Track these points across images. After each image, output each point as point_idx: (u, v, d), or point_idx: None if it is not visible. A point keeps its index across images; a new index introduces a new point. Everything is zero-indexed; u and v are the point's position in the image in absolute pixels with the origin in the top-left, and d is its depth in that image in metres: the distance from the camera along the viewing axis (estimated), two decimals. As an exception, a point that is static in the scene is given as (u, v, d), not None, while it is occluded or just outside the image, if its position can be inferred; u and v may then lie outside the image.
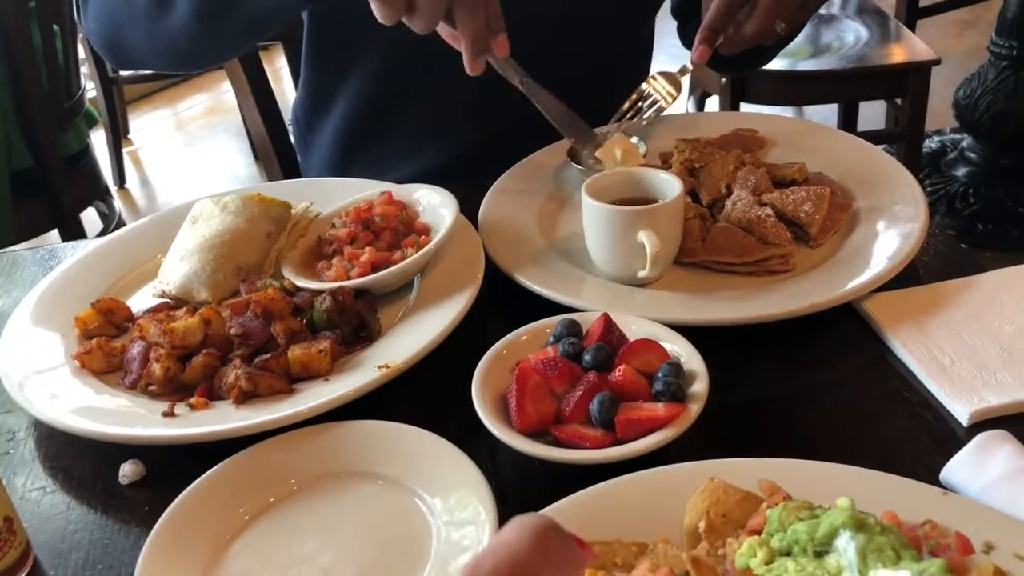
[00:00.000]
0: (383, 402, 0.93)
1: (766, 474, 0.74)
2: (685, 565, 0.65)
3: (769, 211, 1.08)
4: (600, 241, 1.05)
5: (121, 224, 2.97)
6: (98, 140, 3.76)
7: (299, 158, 1.64)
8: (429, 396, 0.98)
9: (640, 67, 1.51)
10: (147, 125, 4.95)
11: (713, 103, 3.38)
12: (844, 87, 2.95)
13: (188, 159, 4.59)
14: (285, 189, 1.22)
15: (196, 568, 0.77)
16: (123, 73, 4.40)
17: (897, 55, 2.87)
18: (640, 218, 1.00)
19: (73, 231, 2.71)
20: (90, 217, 3.05)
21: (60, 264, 1.19)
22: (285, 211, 1.13)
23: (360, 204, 1.14)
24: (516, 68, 1.12)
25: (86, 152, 2.79)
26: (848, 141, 1.28)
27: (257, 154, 4.37)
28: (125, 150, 4.46)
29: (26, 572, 0.81)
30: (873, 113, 3.54)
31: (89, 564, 0.82)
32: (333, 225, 1.13)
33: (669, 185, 1.05)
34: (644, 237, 0.99)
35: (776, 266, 1.05)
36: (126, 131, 4.64)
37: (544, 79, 1.16)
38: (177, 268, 1.09)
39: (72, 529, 0.86)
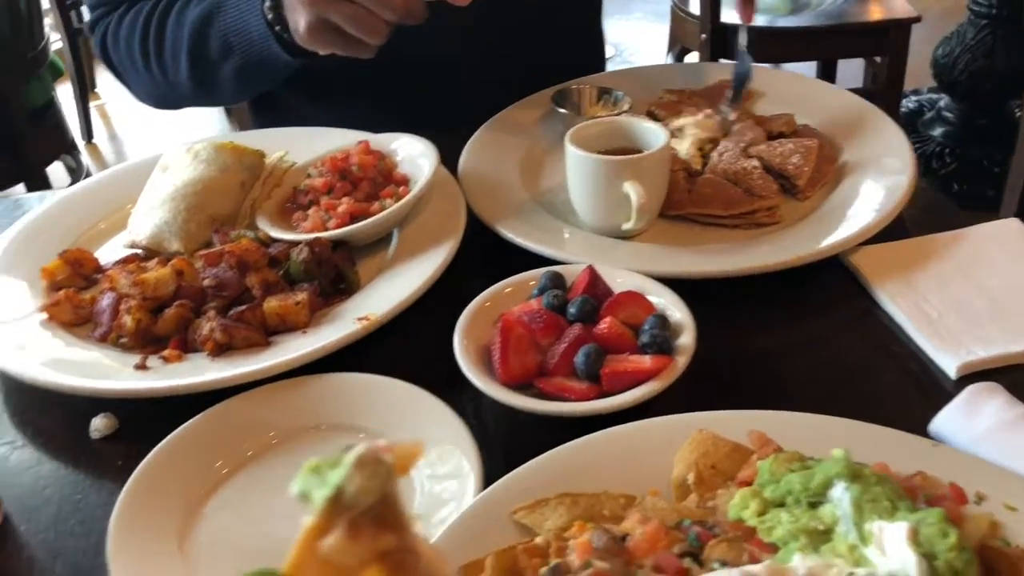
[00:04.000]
0: (362, 355, 0.91)
1: (755, 426, 0.73)
2: (674, 516, 0.64)
3: (756, 163, 1.06)
4: (584, 192, 1.02)
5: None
6: (64, 94, 3.66)
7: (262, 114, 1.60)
8: (409, 349, 0.96)
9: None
10: (114, 79, 4.83)
11: (692, 59, 3.34)
12: (823, 44, 2.93)
13: (157, 113, 4.47)
14: (258, 138, 1.18)
15: (172, 523, 0.75)
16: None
17: (876, 12, 2.85)
18: (625, 168, 0.98)
19: (39, 186, 2.65)
20: (57, 173, 2.98)
21: (26, 214, 1.15)
22: (259, 160, 1.10)
23: (336, 153, 1.10)
24: None
25: (51, 105, 2.72)
26: (836, 94, 1.26)
27: (228, 108, 4.29)
28: (92, 104, 4.34)
29: (-4, 528, 0.79)
30: (851, 72, 3.52)
31: (61, 519, 0.80)
32: (309, 175, 1.10)
33: (654, 135, 1.02)
34: (629, 188, 0.97)
35: (763, 218, 1.03)
36: (93, 84, 4.52)
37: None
38: (147, 218, 1.05)
39: (43, 484, 0.84)
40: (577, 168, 1.01)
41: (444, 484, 0.76)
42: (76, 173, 2.97)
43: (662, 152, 0.99)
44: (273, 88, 1.35)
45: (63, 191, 1.20)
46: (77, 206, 1.14)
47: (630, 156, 0.99)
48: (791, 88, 1.27)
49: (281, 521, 0.75)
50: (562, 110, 1.20)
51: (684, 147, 1.10)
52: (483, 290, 0.92)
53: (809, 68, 3.60)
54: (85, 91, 4.16)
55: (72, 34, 4.01)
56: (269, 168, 1.11)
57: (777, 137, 1.12)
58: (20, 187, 2.70)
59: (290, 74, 1.20)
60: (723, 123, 1.13)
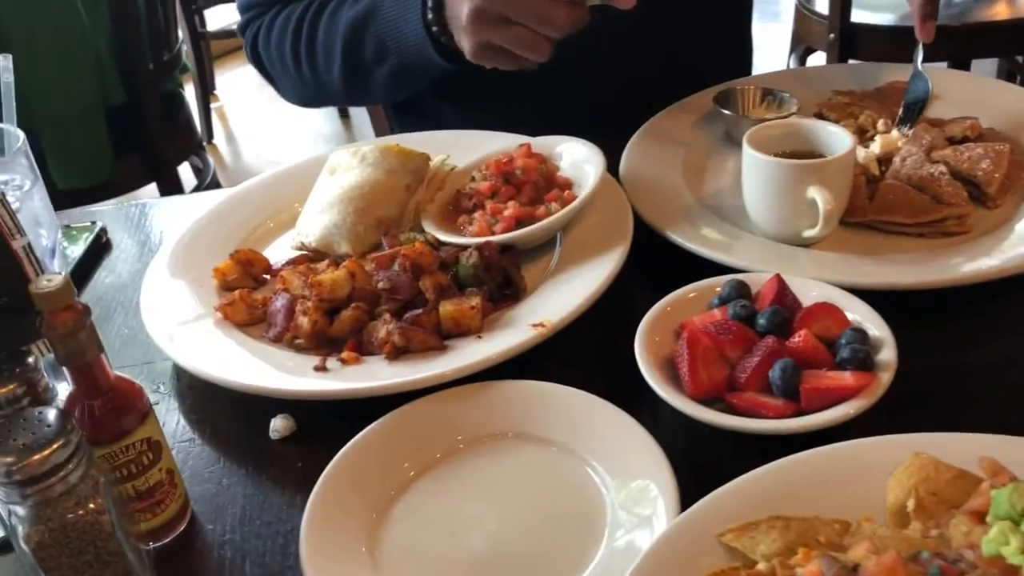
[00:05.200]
0: (532, 362, 0.89)
1: (976, 450, 0.68)
2: (906, 547, 0.60)
3: (943, 168, 1.00)
4: (763, 197, 0.98)
5: (215, 179, 2.98)
6: (188, 95, 3.78)
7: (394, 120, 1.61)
8: (577, 356, 0.93)
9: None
10: (232, 81, 4.97)
11: (817, 59, 3.24)
12: (957, 42, 2.80)
13: (273, 116, 4.60)
14: (417, 141, 1.18)
15: (361, 526, 0.74)
16: (210, 28, 4.41)
17: (1003, 11, 2.71)
18: (811, 172, 0.93)
19: (170, 184, 2.72)
20: (184, 172, 3.07)
21: (193, 214, 1.17)
22: (424, 163, 1.09)
23: (500, 157, 1.09)
24: None
25: (183, 105, 2.80)
26: (1020, 93, 1.18)
27: (343, 111, 4.36)
28: (212, 105, 4.48)
29: (185, 524, 0.80)
30: (983, 72, 3.37)
31: (247, 519, 0.80)
32: (473, 178, 1.09)
33: (837, 138, 0.98)
34: (815, 193, 0.92)
35: (952, 227, 0.97)
36: (212, 86, 4.66)
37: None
38: (316, 220, 1.05)
39: (226, 484, 0.84)
40: (757, 172, 0.97)
41: (638, 505, 0.73)
42: (203, 173, 3.04)
43: (848, 156, 0.94)
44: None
45: (227, 191, 1.22)
46: (243, 207, 1.15)
47: (817, 160, 0.95)
48: (968, 89, 1.20)
49: (471, 529, 0.74)
50: (725, 111, 1.17)
51: (862, 152, 1.05)
52: (650, 298, 0.89)
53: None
54: (207, 92, 4.29)
55: (196, 37, 4.14)
56: (432, 171, 1.10)
57: (962, 142, 1.06)
58: (152, 187, 2.79)
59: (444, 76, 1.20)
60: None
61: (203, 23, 4.36)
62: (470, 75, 1.07)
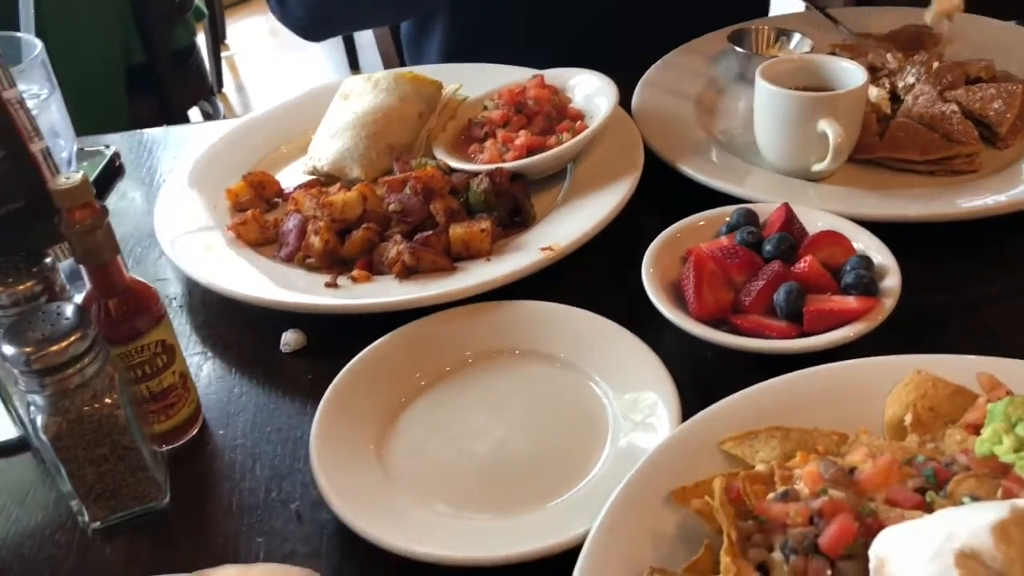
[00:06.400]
0: (541, 286, 0.90)
1: (976, 370, 0.69)
2: (902, 454, 0.62)
3: (955, 107, 1.01)
4: (774, 129, 0.99)
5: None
6: (199, 43, 3.77)
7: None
8: (585, 281, 0.95)
9: None
10: (242, 30, 4.95)
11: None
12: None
13: (282, 66, 4.58)
14: (432, 72, 1.18)
15: (370, 429, 0.76)
16: (222, -25, 4.39)
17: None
18: (822, 105, 0.94)
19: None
20: (194, 117, 3.07)
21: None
22: (436, 91, 1.10)
23: (513, 87, 1.09)
24: None
25: (194, 49, 2.80)
26: (1038, 40, 1.18)
27: (356, 63, 4.35)
28: (223, 55, 4.46)
29: (197, 428, 0.81)
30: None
31: (257, 425, 0.82)
32: (485, 107, 1.09)
33: (850, 74, 0.98)
34: (826, 126, 0.93)
35: (961, 165, 0.98)
36: (223, 36, 4.64)
37: None
38: (329, 145, 1.06)
39: (237, 393, 0.86)
40: (769, 104, 0.98)
41: (640, 414, 0.74)
42: (212, 118, 3.04)
43: (860, 91, 0.95)
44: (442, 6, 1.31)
45: (244, 117, 1.23)
46: (258, 131, 1.16)
47: (828, 93, 0.95)
48: (983, 33, 1.20)
49: (476, 439, 0.76)
50: (740, 49, 1.17)
51: (874, 92, 1.05)
52: (659, 229, 0.90)
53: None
54: (217, 40, 4.27)
55: (208, -17, 4.12)
56: (444, 100, 1.11)
57: (975, 82, 1.06)
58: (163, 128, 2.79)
59: None
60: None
61: None
62: (480, 16, 1.05)
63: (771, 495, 0.58)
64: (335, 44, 4.45)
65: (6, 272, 0.73)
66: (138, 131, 1.37)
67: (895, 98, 1.07)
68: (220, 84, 4.29)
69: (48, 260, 0.75)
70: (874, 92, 1.05)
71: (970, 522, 0.46)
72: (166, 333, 0.76)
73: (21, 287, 0.72)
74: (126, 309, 0.73)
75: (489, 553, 0.64)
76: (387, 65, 1.92)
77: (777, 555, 0.55)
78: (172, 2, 2.59)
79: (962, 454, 0.59)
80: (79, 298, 0.74)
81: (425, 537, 0.66)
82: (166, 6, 2.55)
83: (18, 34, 0.86)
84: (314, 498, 0.73)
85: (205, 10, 2.96)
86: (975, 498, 0.54)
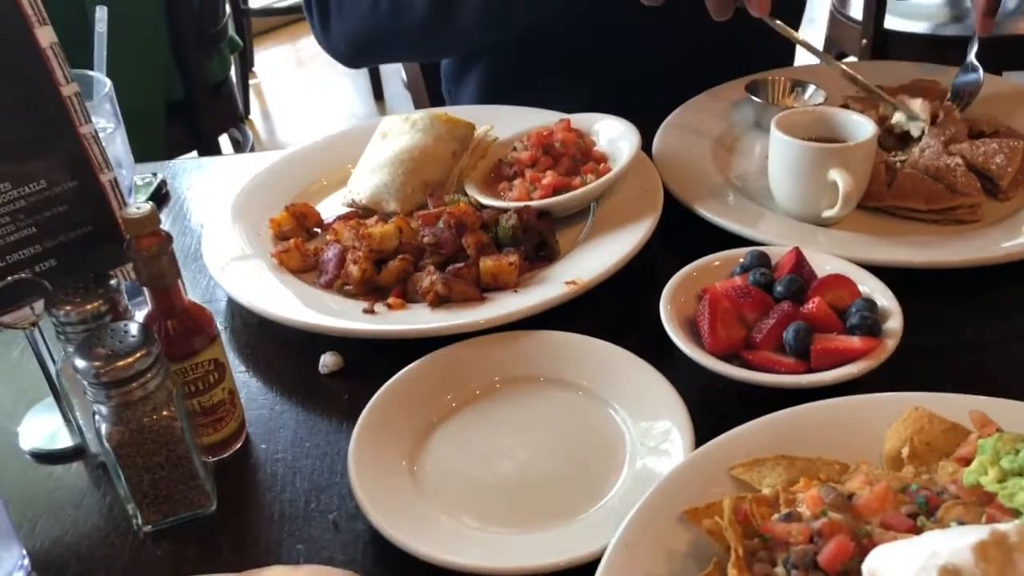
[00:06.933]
0: (565, 319, 0.96)
1: (968, 408, 0.74)
2: (897, 483, 0.67)
3: (959, 160, 1.07)
4: (787, 177, 1.05)
5: (253, 151, 3.07)
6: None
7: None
8: (607, 314, 1.00)
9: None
10: (269, 59, 5.07)
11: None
12: (990, 53, 2.83)
13: (308, 95, 4.69)
14: (465, 112, 1.25)
15: (403, 446, 0.82)
16: (252, 5, 4.51)
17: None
18: (833, 156, 1.00)
19: (211, 154, 2.81)
20: (223, 144, 3.16)
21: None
22: (469, 131, 1.17)
23: (541, 130, 1.16)
24: None
25: (227, 78, 2.89)
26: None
27: (381, 96, 4.45)
28: (250, 82, 4.57)
29: (241, 442, 0.87)
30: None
31: (297, 441, 0.88)
32: (514, 148, 1.16)
33: (860, 126, 1.04)
34: (837, 175, 0.99)
35: (964, 215, 1.03)
36: (251, 63, 4.76)
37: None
38: (367, 179, 1.13)
39: (278, 410, 0.92)
40: (782, 153, 1.04)
41: (656, 441, 0.80)
42: (241, 146, 3.13)
43: (870, 143, 1.01)
44: (513, 32, 1.35)
45: (287, 150, 1.30)
46: (300, 164, 1.23)
47: (839, 144, 1.01)
48: (987, 89, 1.26)
49: (502, 459, 0.81)
50: (756, 99, 1.23)
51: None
52: (676, 267, 0.96)
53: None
54: (246, 69, 4.39)
55: (239, 14, 4.24)
56: (476, 140, 1.17)
57: (979, 136, 1.12)
58: (193, 154, 2.87)
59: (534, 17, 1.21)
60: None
61: (246, 1, 4.45)
62: (514, 65, 1.10)
63: (776, 516, 0.64)
64: (360, 73, 4.56)
65: (75, 292, 0.80)
66: (183, 159, 1.44)
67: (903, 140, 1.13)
68: (247, 111, 4.39)
69: (113, 282, 0.82)
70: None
71: (953, 542, 0.52)
72: (218, 352, 0.83)
73: (89, 306, 0.79)
74: (184, 329, 0.80)
75: (513, 564, 0.70)
76: (413, 94, 2.00)
77: (780, 570, 0.60)
78: (208, 32, 2.69)
79: (952, 484, 0.64)
80: (140, 316, 0.81)
81: (454, 547, 0.71)
82: (201, 34, 2.64)
83: (91, 72, 0.93)
84: (351, 509, 0.79)
85: (240, 41, 3.06)
86: (962, 523, 0.59)
